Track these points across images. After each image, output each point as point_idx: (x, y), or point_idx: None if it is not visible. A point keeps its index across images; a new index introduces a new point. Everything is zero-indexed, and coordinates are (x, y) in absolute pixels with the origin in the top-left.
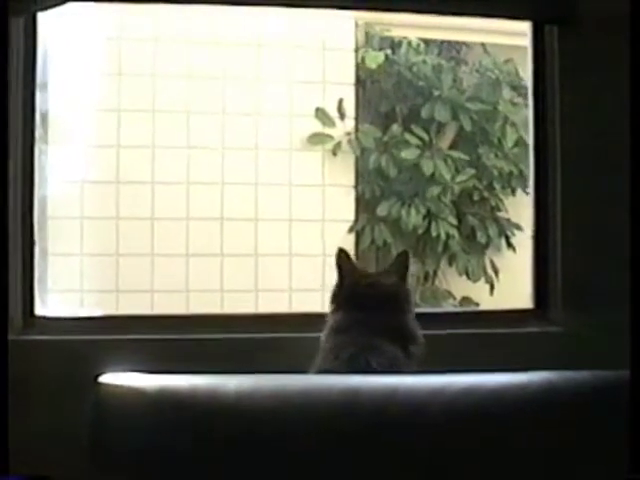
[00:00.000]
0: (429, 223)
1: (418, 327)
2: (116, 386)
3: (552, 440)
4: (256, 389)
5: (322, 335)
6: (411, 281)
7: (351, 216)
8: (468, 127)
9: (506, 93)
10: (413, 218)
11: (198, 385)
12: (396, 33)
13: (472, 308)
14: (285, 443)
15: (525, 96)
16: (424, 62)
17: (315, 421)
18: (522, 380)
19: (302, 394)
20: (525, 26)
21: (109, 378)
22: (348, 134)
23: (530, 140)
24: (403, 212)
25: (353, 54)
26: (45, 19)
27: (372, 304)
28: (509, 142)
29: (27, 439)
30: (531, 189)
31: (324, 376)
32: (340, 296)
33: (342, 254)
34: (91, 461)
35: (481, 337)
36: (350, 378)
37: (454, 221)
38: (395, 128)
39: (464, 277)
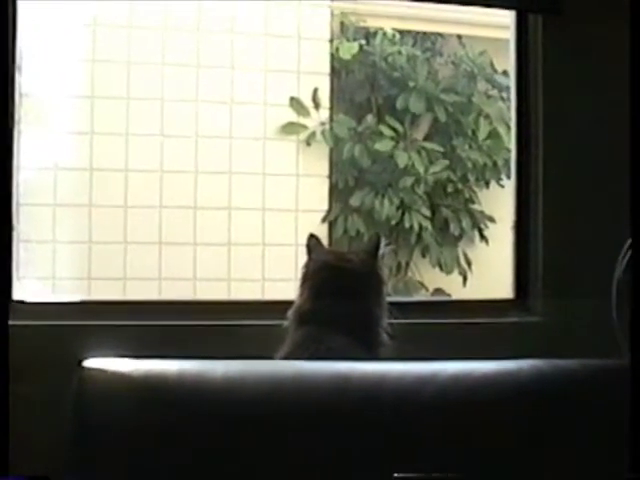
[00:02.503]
0: (402, 214)
1: (386, 311)
2: (100, 370)
3: (542, 426)
4: (245, 374)
5: (289, 314)
6: (382, 264)
7: (324, 206)
8: (443, 119)
9: (481, 85)
10: (386, 209)
11: (184, 369)
12: (371, 23)
13: (452, 298)
14: (274, 428)
15: (499, 88)
16: (399, 53)
17: (304, 407)
18: (511, 367)
19: (291, 380)
20: (501, 18)
21: (93, 363)
22: (322, 124)
23: (512, 129)
24: (376, 203)
25: (328, 44)
26: (21, 3)
27: (339, 282)
28: (483, 134)
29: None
30: (512, 178)
31: (313, 362)
32: (308, 273)
33: (313, 238)
34: (74, 446)
35: (462, 327)
36: (340, 364)
37: (427, 213)
38: (370, 119)
39: (437, 269)
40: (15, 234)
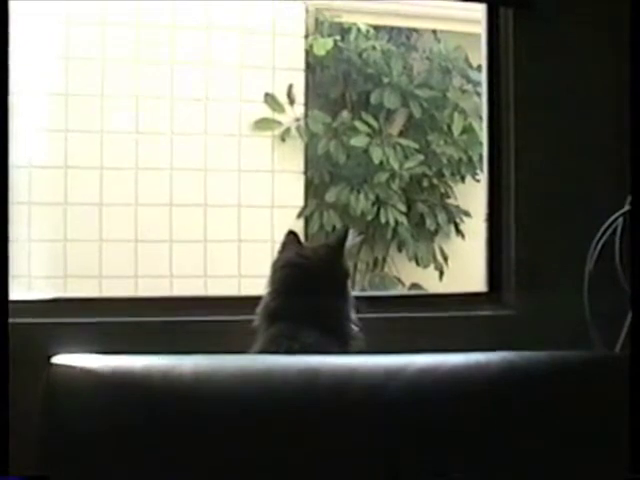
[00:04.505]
0: (378, 209)
1: (352, 303)
2: (69, 367)
3: (511, 419)
4: (214, 369)
5: (257, 311)
6: (349, 256)
7: (300, 202)
8: (418, 114)
9: (456, 80)
10: (362, 204)
11: (153, 365)
12: (346, 19)
13: (426, 292)
14: (243, 423)
15: (474, 83)
16: (374, 48)
17: (274, 401)
18: (481, 360)
19: (261, 374)
20: (476, 13)
21: (62, 359)
22: (297, 120)
23: (484, 122)
24: (352, 198)
25: (303, 40)
26: None
27: (298, 279)
28: (458, 129)
29: None
30: (485, 172)
31: (283, 356)
32: (274, 270)
33: (290, 235)
34: (42, 443)
35: (435, 320)
36: (309, 358)
37: (403, 208)
38: (344, 114)
39: (413, 263)
40: None
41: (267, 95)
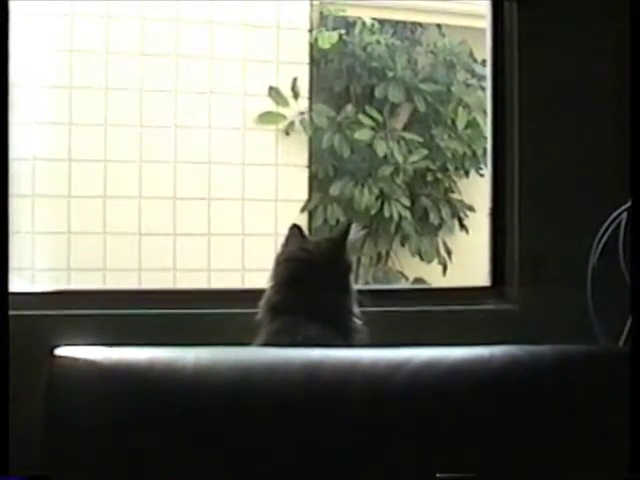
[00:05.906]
0: (382, 204)
1: (354, 297)
2: (72, 359)
3: (513, 413)
4: (216, 362)
5: (260, 305)
6: (352, 247)
7: (304, 195)
8: (422, 108)
9: (460, 75)
10: (366, 198)
11: (155, 357)
12: (351, 13)
13: (429, 286)
14: (244, 415)
15: (479, 78)
16: (378, 42)
17: (275, 394)
18: (484, 353)
19: (263, 367)
20: (481, 7)
21: (64, 351)
22: (302, 114)
23: (488, 117)
24: (356, 192)
25: (307, 33)
26: None
27: (299, 273)
28: (462, 123)
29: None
30: (489, 166)
31: (285, 349)
32: (277, 264)
33: (294, 229)
34: (44, 434)
35: (438, 314)
36: (311, 351)
37: (407, 202)
38: (349, 108)
39: (417, 258)
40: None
41: (271, 89)
